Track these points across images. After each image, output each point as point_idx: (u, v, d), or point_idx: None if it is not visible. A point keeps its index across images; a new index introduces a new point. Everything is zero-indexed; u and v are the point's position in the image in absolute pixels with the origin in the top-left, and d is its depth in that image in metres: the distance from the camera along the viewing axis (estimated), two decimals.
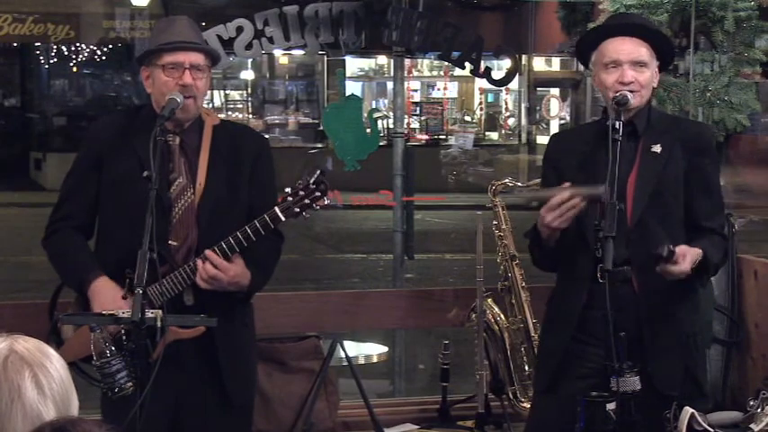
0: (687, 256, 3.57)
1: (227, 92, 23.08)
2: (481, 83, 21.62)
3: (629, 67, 3.68)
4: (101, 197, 3.69)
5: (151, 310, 3.26)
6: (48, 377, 1.98)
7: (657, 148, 3.74)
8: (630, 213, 3.69)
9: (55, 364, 2.01)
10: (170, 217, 3.59)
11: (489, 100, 24.06)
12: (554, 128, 22.09)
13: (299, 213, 3.50)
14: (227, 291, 3.60)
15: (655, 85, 3.85)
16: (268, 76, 23.69)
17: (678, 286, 3.66)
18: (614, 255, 3.56)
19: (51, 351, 2.03)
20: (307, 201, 3.49)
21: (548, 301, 3.95)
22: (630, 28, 3.75)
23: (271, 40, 5.82)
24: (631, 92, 3.66)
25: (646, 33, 3.74)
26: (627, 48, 3.70)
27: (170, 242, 3.57)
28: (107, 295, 3.53)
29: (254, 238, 3.50)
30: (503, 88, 20.77)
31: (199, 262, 3.51)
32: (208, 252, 3.49)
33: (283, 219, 3.50)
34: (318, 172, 3.50)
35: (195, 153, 3.66)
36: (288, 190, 3.51)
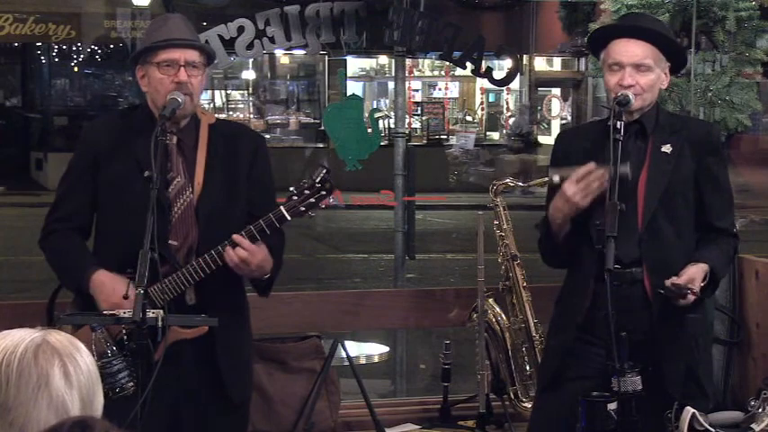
0: (696, 280, 3.59)
1: (229, 92, 23.07)
2: (482, 83, 21.64)
3: (631, 69, 3.67)
4: (99, 198, 3.68)
5: (152, 310, 3.26)
6: (76, 368, 2.01)
7: (667, 149, 3.74)
8: (642, 214, 3.70)
9: (84, 357, 2.05)
10: (169, 217, 3.58)
11: (490, 100, 24.07)
12: (555, 128, 22.11)
13: (305, 212, 3.50)
14: (252, 276, 3.61)
15: (663, 87, 3.85)
16: (269, 75, 23.69)
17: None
18: (623, 255, 3.58)
19: (82, 345, 2.07)
20: (312, 200, 3.48)
21: (556, 301, 3.95)
22: (637, 30, 3.74)
23: (272, 39, 5.82)
24: (632, 94, 3.66)
25: (653, 36, 3.73)
26: (631, 50, 3.69)
27: (170, 242, 3.57)
28: (108, 286, 3.52)
29: (258, 237, 3.50)
30: (504, 88, 20.79)
31: (228, 248, 3.50)
32: (236, 236, 3.49)
33: (289, 218, 3.50)
34: (324, 171, 3.50)
35: (192, 152, 3.66)
36: (292, 189, 3.50)
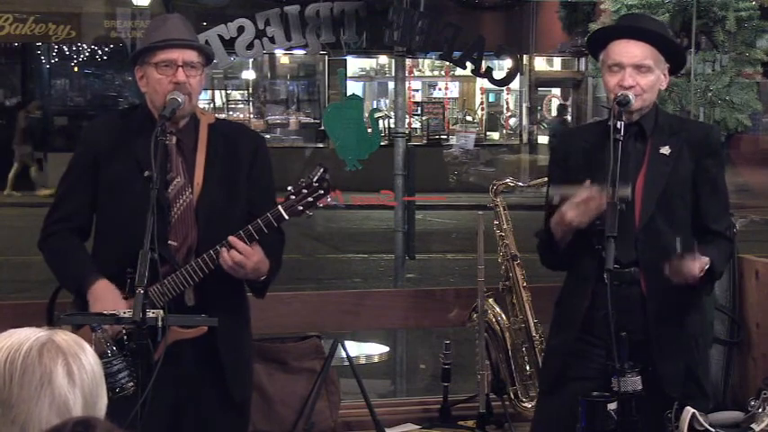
0: (695, 269, 3.58)
1: (229, 92, 23.08)
2: (482, 83, 21.64)
3: (632, 70, 3.67)
4: (98, 199, 3.68)
5: (152, 310, 3.26)
6: (80, 368, 2.02)
7: (666, 150, 3.74)
8: (639, 215, 3.69)
9: (89, 357, 2.05)
10: (169, 217, 3.58)
11: (490, 100, 24.09)
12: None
13: (303, 212, 3.49)
14: (248, 278, 3.61)
15: (663, 88, 3.84)
16: (269, 75, 23.71)
17: (685, 288, 3.66)
18: (621, 256, 3.57)
19: (87, 346, 2.08)
20: (310, 199, 3.48)
21: (556, 302, 3.95)
22: (637, 31, 3.74)
23: (272, 39, 5.82)
24: (633, 95, 3.66)
25: (653, 37, 3.73)
26: (631, 51, 3.69)
27: (170, 242, 3.57)
28: (107, 299, 3.52)
29: (257, 237, 3.50)
30: (504, 88, 20.81)
31: (223, 250, 3.50)
32: (231, 238, 3.48)
33: (287, 217, 3.50)
34: (321, 170, 3.50)
35: (192, 152, 3.65)
36: (290, 188, 3.50)
